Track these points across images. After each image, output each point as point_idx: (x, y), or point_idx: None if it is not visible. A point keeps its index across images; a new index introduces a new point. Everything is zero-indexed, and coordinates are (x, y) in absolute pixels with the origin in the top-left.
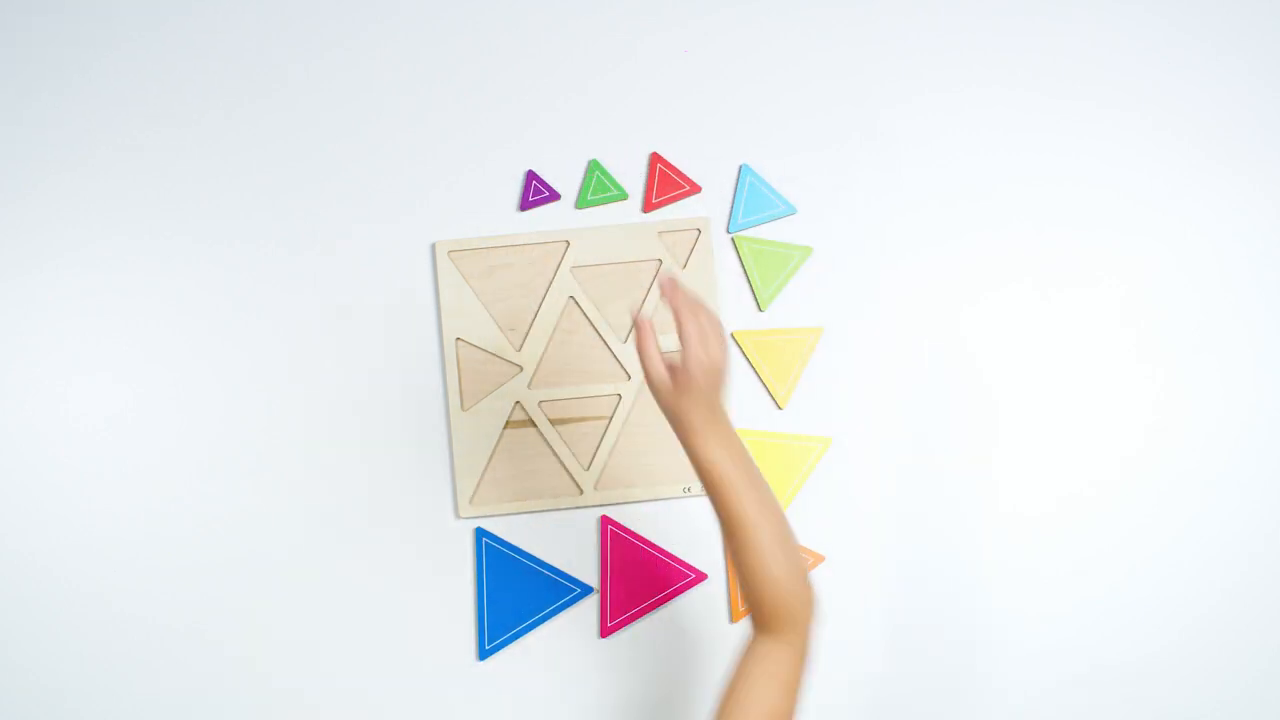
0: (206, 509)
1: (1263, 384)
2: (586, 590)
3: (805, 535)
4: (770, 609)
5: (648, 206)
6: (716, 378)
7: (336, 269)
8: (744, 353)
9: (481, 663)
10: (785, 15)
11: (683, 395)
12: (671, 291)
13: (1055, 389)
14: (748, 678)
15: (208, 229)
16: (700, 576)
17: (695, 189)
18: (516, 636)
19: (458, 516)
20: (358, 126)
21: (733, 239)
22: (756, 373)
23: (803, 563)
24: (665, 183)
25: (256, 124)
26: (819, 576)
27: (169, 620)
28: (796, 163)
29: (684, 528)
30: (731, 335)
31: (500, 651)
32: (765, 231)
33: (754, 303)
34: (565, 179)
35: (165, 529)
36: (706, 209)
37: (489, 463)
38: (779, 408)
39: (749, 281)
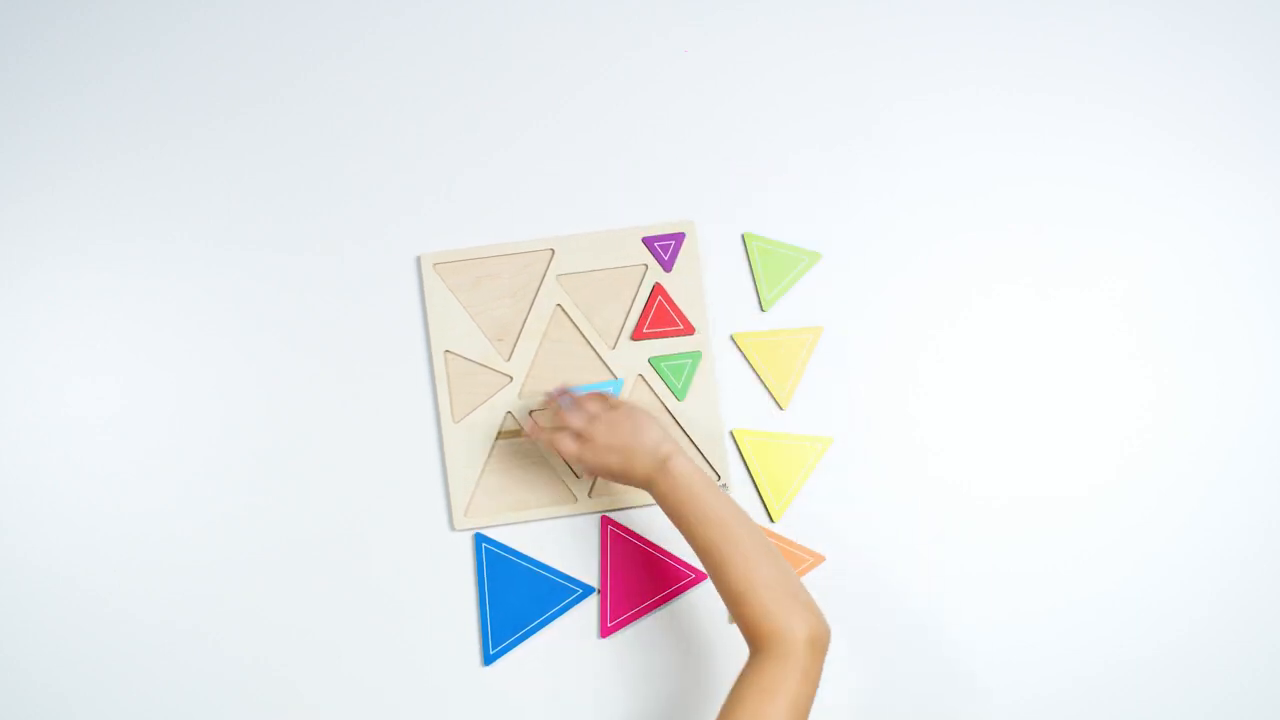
0: (205, 514)
1: (1262, 384)
2: (589, 591)
3: (805, 535)
4: (763, 623)
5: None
6: (619, 434)
7: (322, 284)
8: (745, 354)
9: (487, 668)
10: (785, 15)
11: (600, 459)
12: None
13: (1055, 389)
14: (739, 701)
15: (203, 232)
16: (700, 576)
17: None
18: (521, 640)
19: (453, 528)
20: (338, 139)
21: (742, 236)
22: (757, 373)
23: (794, 576)
24: None
25: (246, 134)
26: (819, 576)
27: (169, 626)
28: (796, 162)
29: None
30: (731, 337)
31: (505, 656)
32: (775, 232)
33: (757, 303)
34: (560, 185)
35: (164, 536)
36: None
37: (482, 474)
38: (780, 408)
39: (754, 281)
